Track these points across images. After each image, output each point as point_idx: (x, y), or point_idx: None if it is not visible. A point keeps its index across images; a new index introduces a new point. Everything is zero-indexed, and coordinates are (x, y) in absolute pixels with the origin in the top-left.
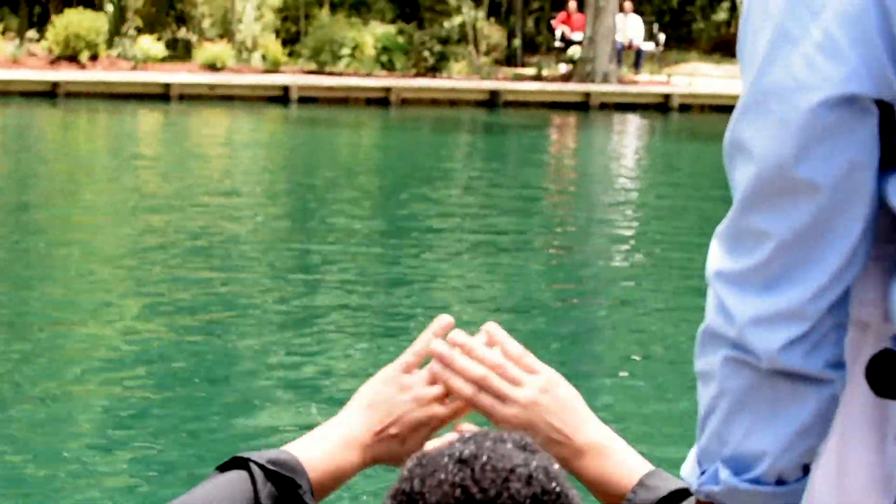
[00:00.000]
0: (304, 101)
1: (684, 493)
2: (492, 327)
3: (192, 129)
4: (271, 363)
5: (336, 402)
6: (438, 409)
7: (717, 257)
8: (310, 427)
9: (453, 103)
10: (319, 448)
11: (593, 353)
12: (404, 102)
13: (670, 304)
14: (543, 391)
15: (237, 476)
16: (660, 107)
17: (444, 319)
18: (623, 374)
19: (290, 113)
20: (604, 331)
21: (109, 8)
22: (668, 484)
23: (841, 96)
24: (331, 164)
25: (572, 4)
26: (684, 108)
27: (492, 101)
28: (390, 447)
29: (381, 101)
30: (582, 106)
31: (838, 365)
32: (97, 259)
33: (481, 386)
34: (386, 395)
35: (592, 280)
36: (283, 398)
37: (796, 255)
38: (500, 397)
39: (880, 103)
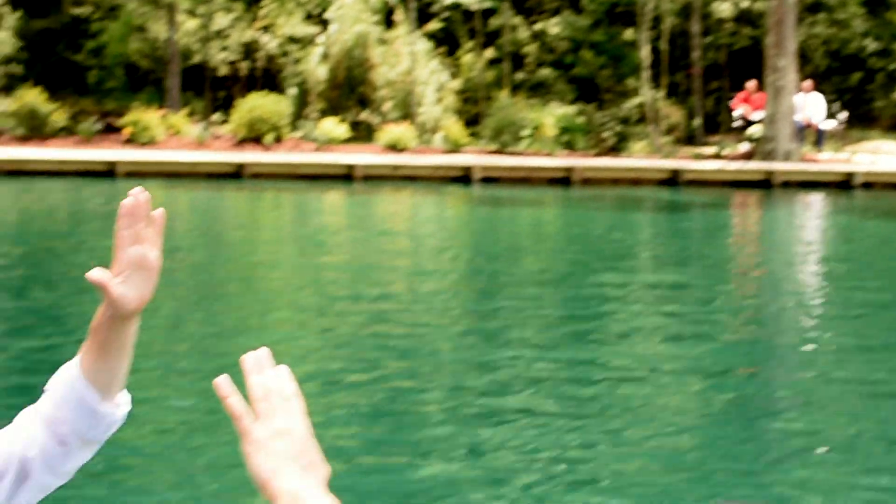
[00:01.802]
0: (485, 181)
1: None
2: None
3: (376, 208)
4: (450, 449)
5: (515, 490)
6: None
7: None
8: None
9: (635, 182)
10: None
11: (775, 430)
12: (586, 182)
13: (855, 380)
14: (275, 434)
15: None
16: (842, 185)
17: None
18: (818, 452)
19: (472, 193)
20: (790, 409)
21: (292, 91)
22: None
23: None
24: (513, 243)
25: (751, 84)
26: (867, 185)
27: (673, 179)
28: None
29: (562, 180)
30: (764, 184)
31: None
32: (279, 333)
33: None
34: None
35: (777, 359)
36: (467, 482)
37: None
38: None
39: None
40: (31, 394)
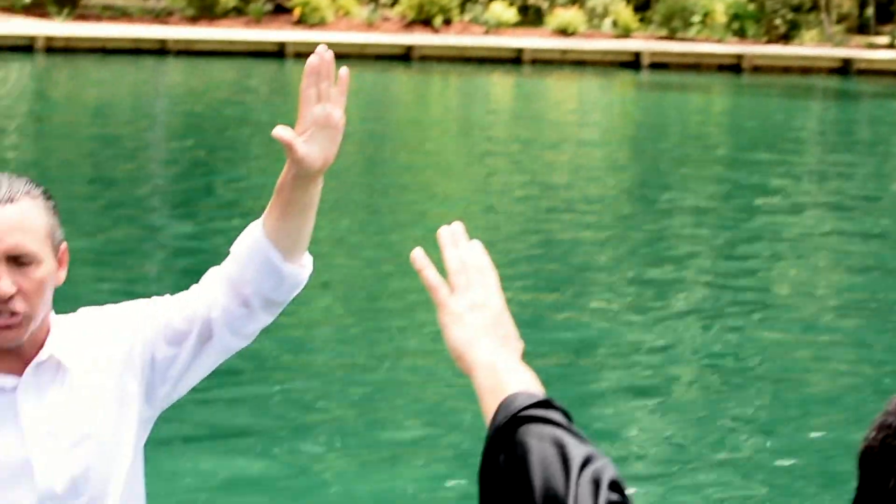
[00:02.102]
0: (654, 66)
1: (533, 407)
2: (458, 228)
3: (544, 92)
4: (612, 339)
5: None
6: None
7: None
8: None
9: (805, 71)
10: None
11: None
12: (756, 69)
13: None
14: (472, 306)
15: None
16: None
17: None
18: None
19: (640, 78)
20: None
21: None
22: (520, 402)
23: None
24: (682, 129)
25: None
26: None
27: (844, 69)
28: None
29: (732, 67)
30: None
31: None
32: (441, 217)
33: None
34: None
35: None
36: (616, 365)
37: None
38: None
39: None
40: (203, 262)
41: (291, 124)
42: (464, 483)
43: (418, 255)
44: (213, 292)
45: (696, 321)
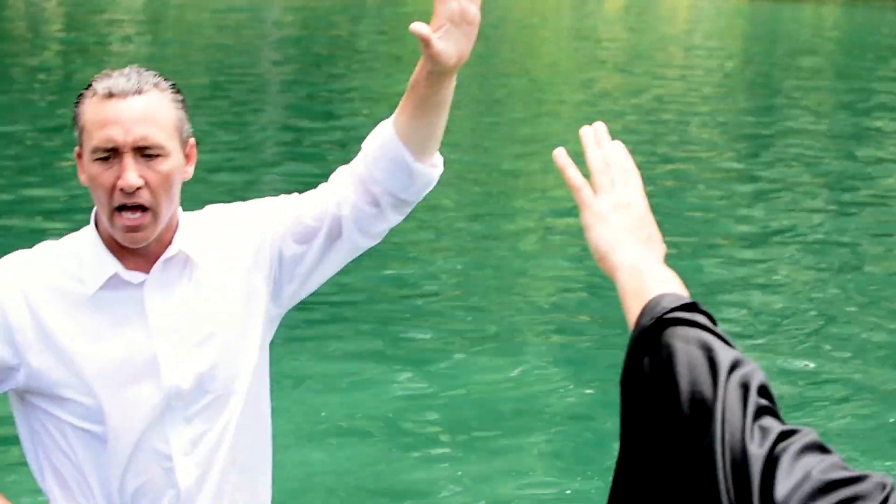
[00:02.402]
0: None
1: (679, 309)
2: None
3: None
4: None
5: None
6: None
7: None
8: None
9: None
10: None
11: None
12: None
13: None
14: (615, 206)
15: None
16: None
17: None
18: None
19: None
20: None
21: None
22: (666, 304)
23: None
24: (794, 41)
25: None
26: None
27: None
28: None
29: None
30: None
31: None
32: (551, 110)
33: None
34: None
35: None
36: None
37: None
38: (584, 202)
39: None
40: (324, 164)
41: (405, 32)
42: (597, 385)
43: (560, 154)
44: (342, 190)
45: (812, 244)
